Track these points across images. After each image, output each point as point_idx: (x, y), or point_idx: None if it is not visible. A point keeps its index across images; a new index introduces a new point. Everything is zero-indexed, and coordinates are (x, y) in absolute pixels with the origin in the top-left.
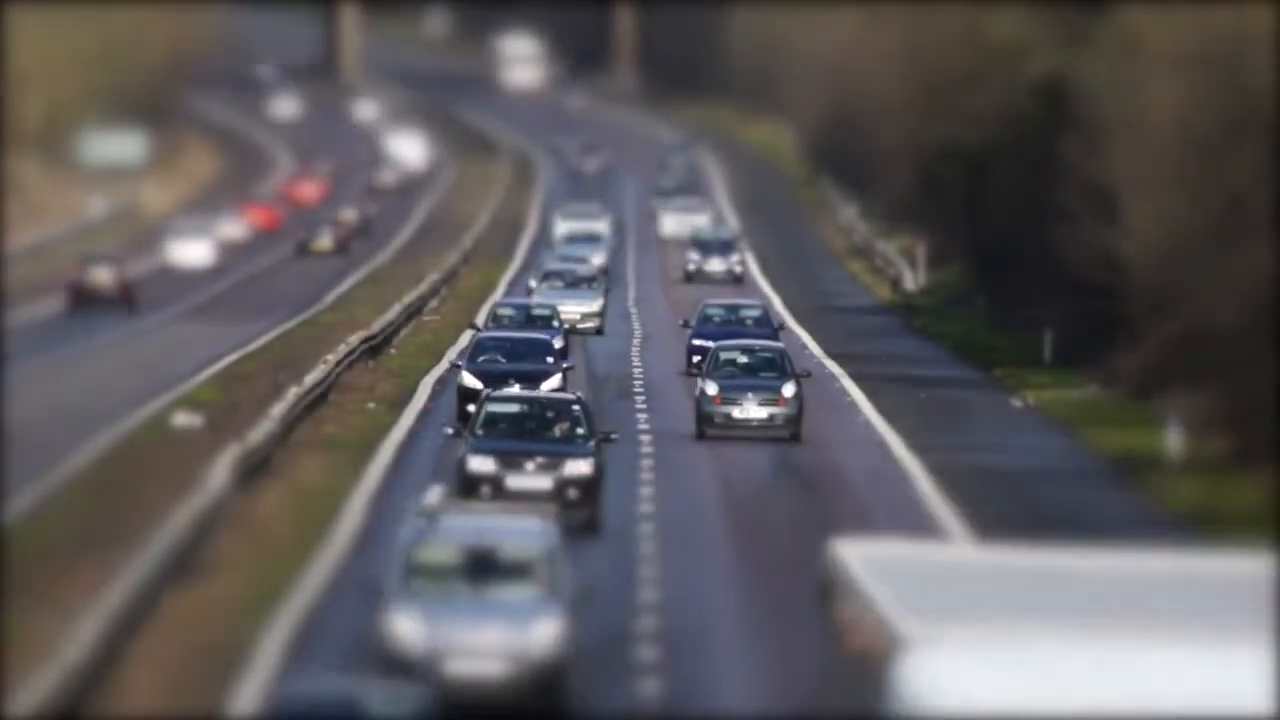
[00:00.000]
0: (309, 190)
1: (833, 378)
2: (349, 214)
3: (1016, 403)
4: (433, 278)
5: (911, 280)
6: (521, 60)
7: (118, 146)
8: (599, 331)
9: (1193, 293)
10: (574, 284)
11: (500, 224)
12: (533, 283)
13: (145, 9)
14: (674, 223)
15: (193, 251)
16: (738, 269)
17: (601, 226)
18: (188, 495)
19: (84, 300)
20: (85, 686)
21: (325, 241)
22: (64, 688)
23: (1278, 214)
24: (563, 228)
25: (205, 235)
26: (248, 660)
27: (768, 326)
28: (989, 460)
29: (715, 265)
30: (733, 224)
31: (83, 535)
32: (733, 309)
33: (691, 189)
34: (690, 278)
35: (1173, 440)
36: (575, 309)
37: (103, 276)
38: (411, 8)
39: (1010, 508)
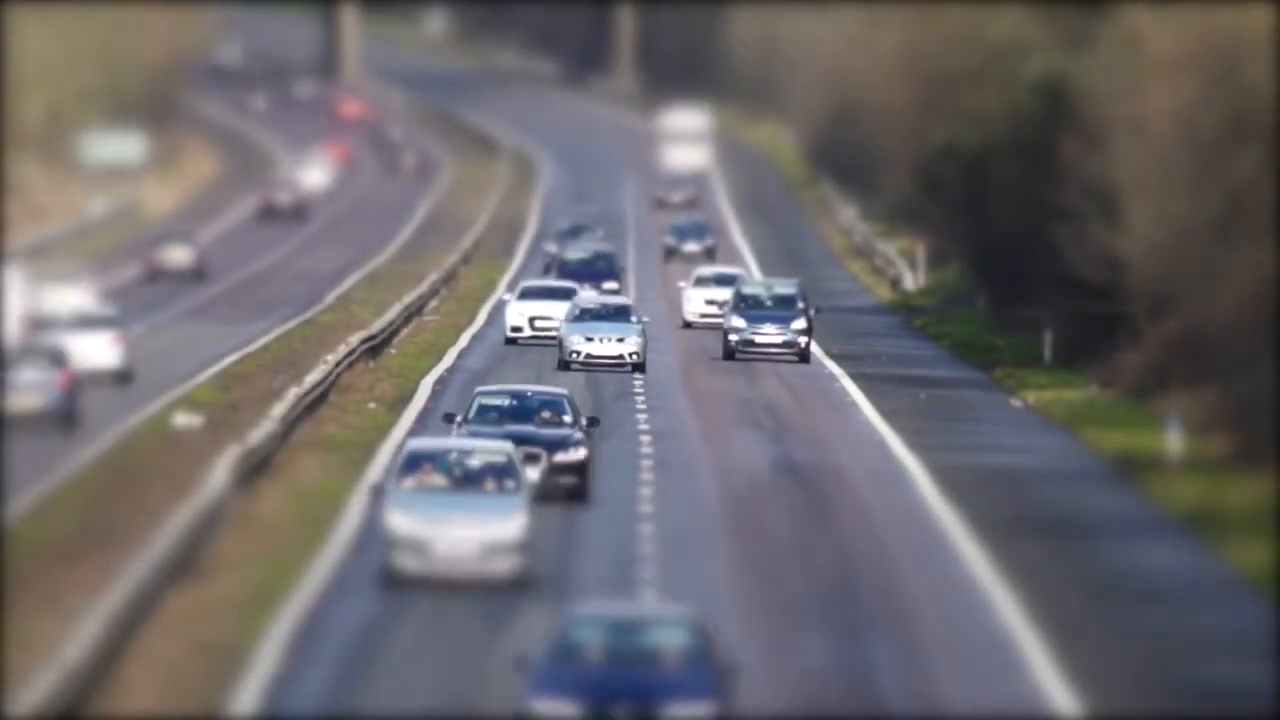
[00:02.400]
0: (353, 108)
1: (833, 378)
2: (180, 253)
3: (1016, 403)
4: (433, 278)
5: (911, 280)
6: (687, 138)
7: (118, 147)
8: (638, 369)
9: (1193, 293)
10: (604, 315)
11: (500, 224)
12: (508, 293)
13: (145, 9)
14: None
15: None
16: (710, 243)
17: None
18: (188, 495)
19: (159, 275)
20: (85, 686)
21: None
22: (64, 688)
23: (1278, 214)
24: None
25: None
26: (248, 660)
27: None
28: (989, 460)
29: (691, 246)
30: (713, 217)
31: (83, 535)
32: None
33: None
34: (669, 255)
35: (1173, 440)
36: (608, 349)
37: (178, 255)
38: (411, 8)
39: (1010, 508)
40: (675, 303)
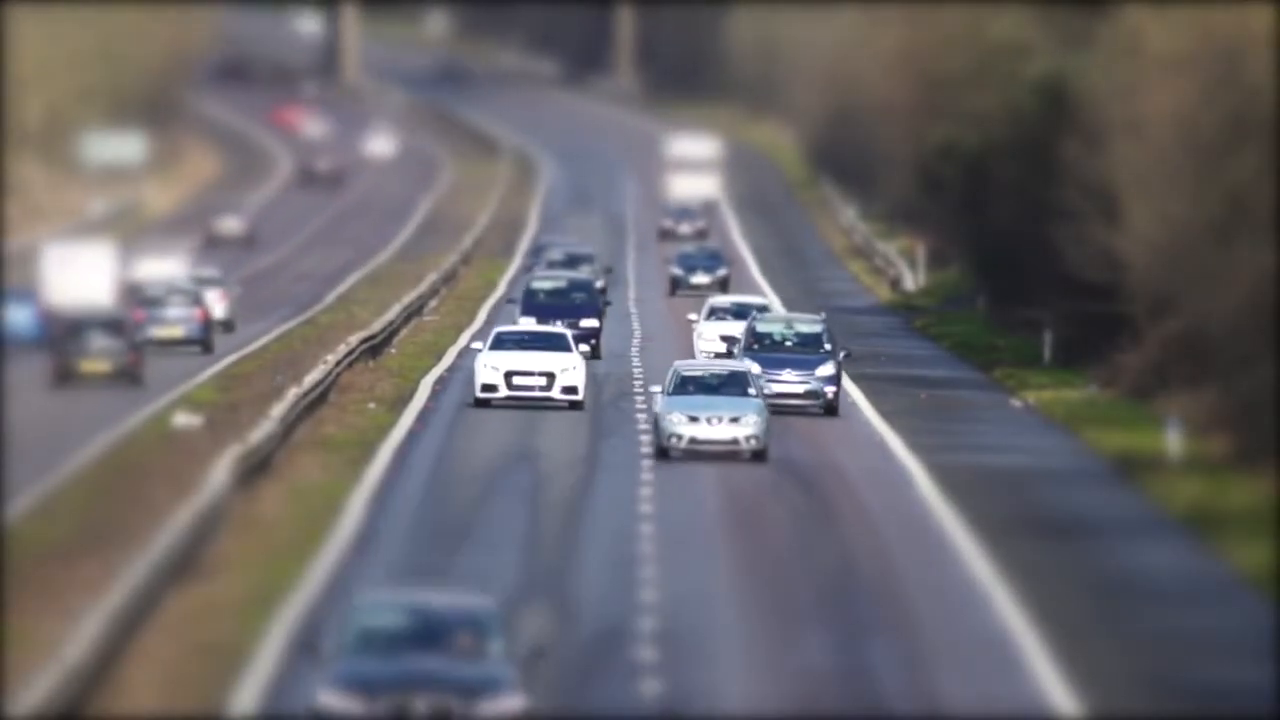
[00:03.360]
0: (291, 116)
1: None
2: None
3: (1016, 403)
4: (432, 278)
5: (911, 280)
6: (696, 166)
7: (118, 147)
8: (759, 457)
9: (1193, 293)
10: (713, 386)
11: (500, 224)
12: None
13: (145, 9)
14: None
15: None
16: (723, 274)
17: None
18: (188, 495)
19: (214, 243)
20: (85, 686)
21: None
22: (64, 688)
23: (1278, 214)
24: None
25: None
26: (248, 660)
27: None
28: (989, 460)
29: (700, 278)
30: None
31: (83, 535)
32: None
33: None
34: (676, 287)
35: (1173, 440)
36: (718, 431)
37: (231, 224)
38: (411, 8)
39: (1010, 508)
40: (673, 305)
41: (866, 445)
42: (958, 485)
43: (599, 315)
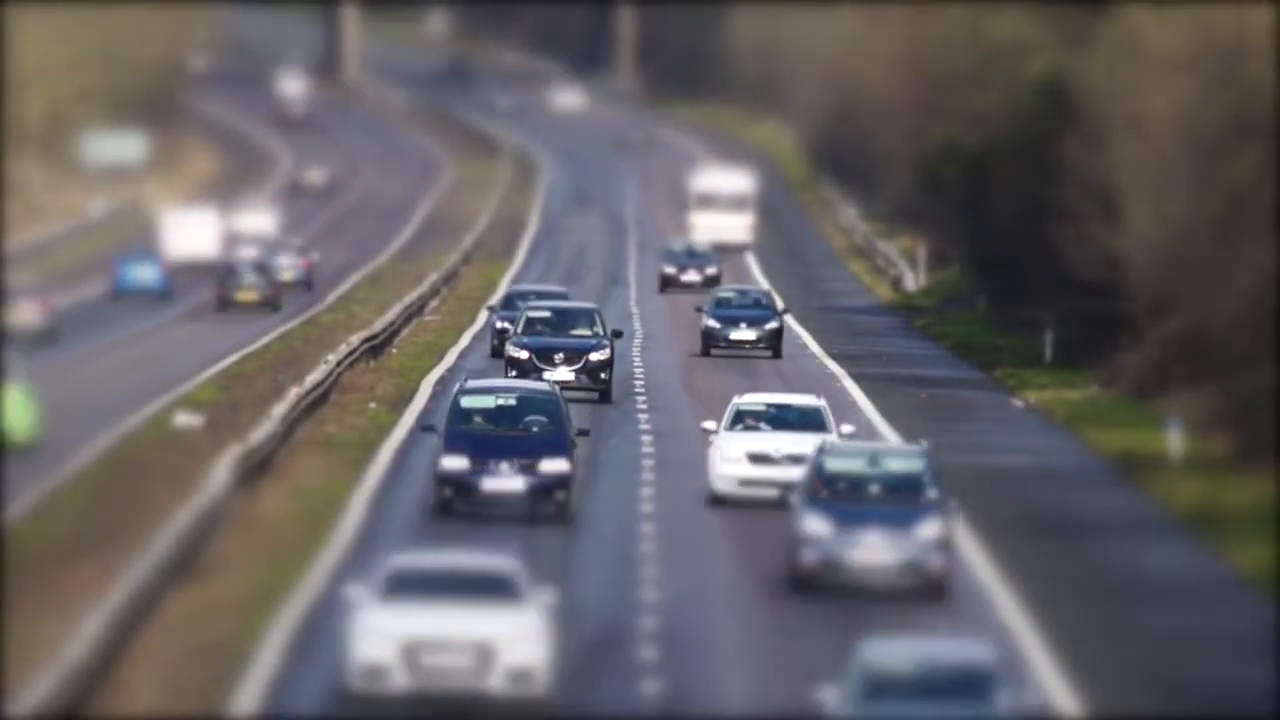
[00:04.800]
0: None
1: (834, 378)
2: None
3: (1017, 403)
4: (433, 278)
5: (912, 280)
6: (727, 204)
7: (118, 147)
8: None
9: (1193, 293)
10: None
11: (501, 224)
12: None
13: (145, 9)
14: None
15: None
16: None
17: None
18: (188, 495)
19: (297, 193)
20: (86, 686)
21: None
22: (64, 688)
23: (1278, 214)
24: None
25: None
26: (248, 660)
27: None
28: (990, 460)
29: (744, 333)
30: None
31: (83, 535)
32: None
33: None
34: (711, 344)
35: (1173, 440)
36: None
37: (314, 175)
38: (412, 7)
39: (1011, 507)
40: (674, 303)
41: None
42: (959, 485)
43: (568, 456)
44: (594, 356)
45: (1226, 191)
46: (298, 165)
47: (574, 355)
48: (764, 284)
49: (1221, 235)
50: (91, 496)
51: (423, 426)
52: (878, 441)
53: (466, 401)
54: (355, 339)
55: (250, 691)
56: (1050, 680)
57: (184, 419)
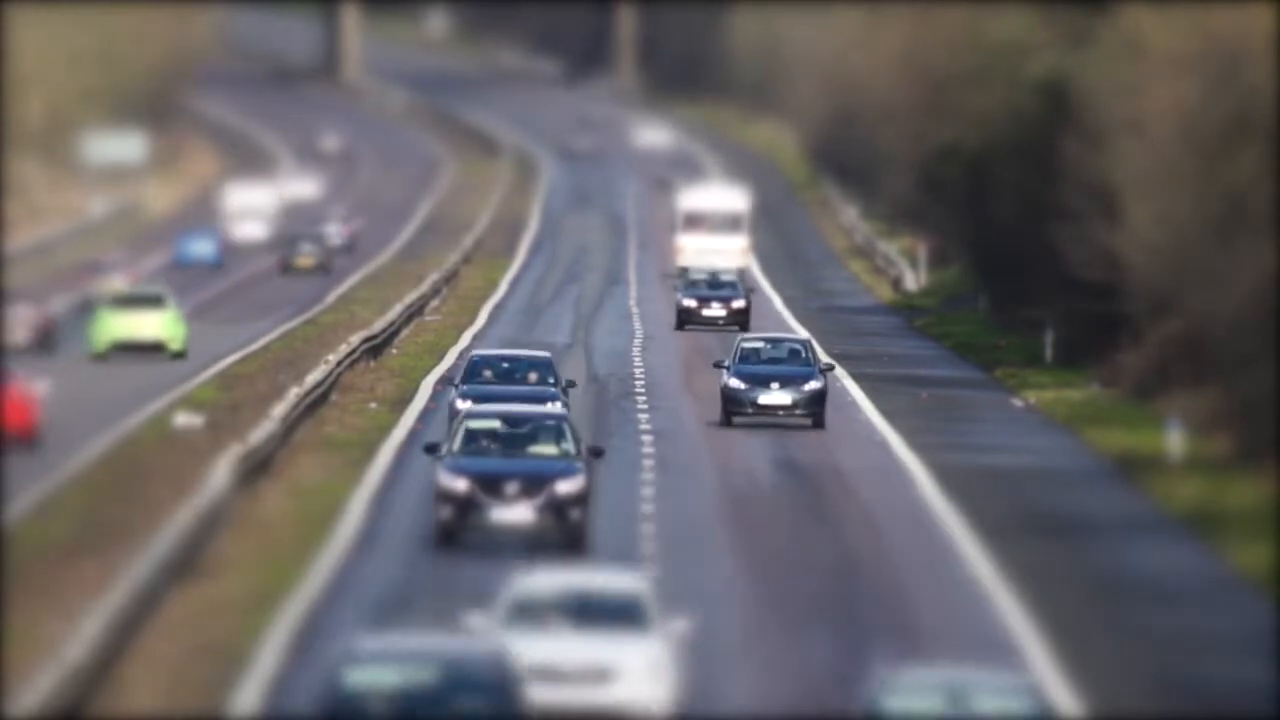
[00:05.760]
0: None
1: (834, 378)
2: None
3: (1018, 402)
4: (434, 277)
5: (913, 280)
6: (714, 225)
7: (118, 147)
8: None
9: (1193, 293)
10: None
11: (501, 224)
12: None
13: (145, 9)
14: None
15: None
16: (741, 304)
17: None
18: (189, 495)
19: (316, 159)
20: (86, 686)
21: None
22: (65, 687)
23: (1278, 214)
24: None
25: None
26: (248, 660)
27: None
28: (990, 460)
29: (715, 310)
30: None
31: (84, 535)
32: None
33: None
34: (685, 321)
35: (1173, 440)
36: None
37: (330, 142)
38: (411, 8)
39: (1011, 507)
40: (677, 334)
41: (868, 445)
42: (959, 485)
43: (561, 393)
44: (561, 488)
45: (1226, 191)
46: (313, 133)
47: (533, 485)
48: (800, 330)
49: (1221, 235)
50: (92, 496)
51: (425, 447)
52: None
53: (473, 424)
54: (355, 339)
55: (250, 691)
56: (1050, 680)
57: (184, 419)
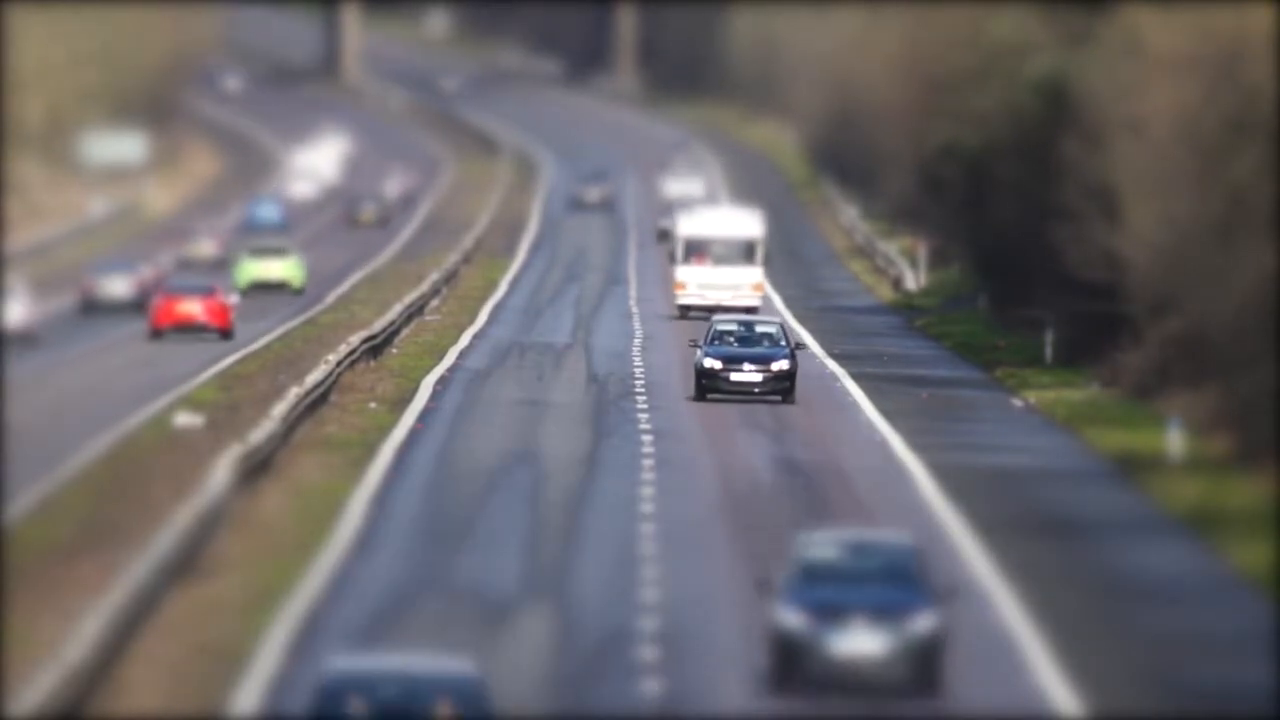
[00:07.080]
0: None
1: (834, 377)
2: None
3: (1018, 402)
4: (434, 277)
5: (913, 280)
6: (723, 252)
7: (119, 147)
8: None
9: (1193, 292)
10: None
11: (501, 223)
12: None
13: (145, 9)
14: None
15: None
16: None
17: None
18: (189, 495)
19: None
20: (86, 686)
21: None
22: (65, 687)
23: (1278, 214)
24: None
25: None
26: (248, 660)
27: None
28: (990, 460)
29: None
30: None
31: (84, 535)
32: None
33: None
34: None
35: (1173, 440)
36: None
37: (392, 186)
38: (411, 8)
39: (1011, 507)
40: (678, 334)
41: (868, 445)
42: (959, 485)
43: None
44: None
45: (1226, 191)
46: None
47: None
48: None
49: (1222, 235)
50: (92, 496)
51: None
52: None
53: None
54: (355, 339)
55: (250, 691)
56: (1050, 679)
57: (184, 419)
